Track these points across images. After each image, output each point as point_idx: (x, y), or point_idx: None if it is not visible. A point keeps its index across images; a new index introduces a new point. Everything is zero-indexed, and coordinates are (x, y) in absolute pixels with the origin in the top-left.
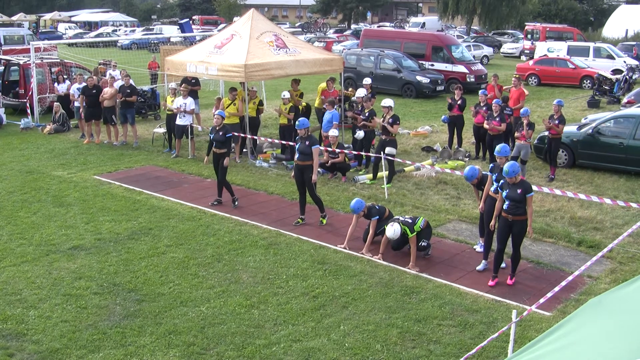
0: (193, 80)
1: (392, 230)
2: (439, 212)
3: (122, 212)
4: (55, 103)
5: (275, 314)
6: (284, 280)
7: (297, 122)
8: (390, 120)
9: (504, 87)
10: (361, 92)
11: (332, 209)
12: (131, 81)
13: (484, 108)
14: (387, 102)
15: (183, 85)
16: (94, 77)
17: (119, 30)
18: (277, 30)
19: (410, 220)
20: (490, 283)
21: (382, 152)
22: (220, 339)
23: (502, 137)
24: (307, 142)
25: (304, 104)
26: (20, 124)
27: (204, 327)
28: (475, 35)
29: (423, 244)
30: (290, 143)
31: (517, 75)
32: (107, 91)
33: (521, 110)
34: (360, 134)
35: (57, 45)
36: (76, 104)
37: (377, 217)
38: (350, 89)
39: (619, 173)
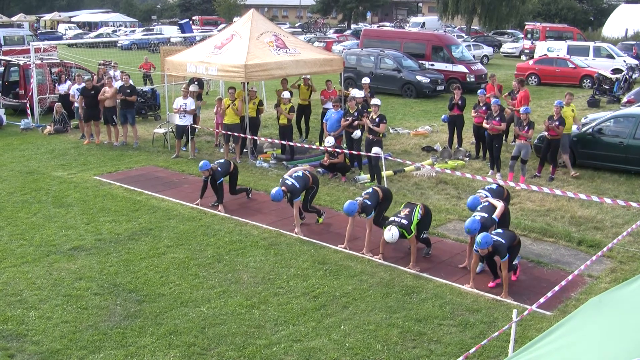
0: (196, 82)
1: (390, 234)
2: (440, 212)
3: (122, 212)
4: (56, 103)
5: (276, 314)
6: (284, 280)
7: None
8: (377, 120)
9: (504, 95)
10: (357, 93)
11: (332, 209)
12: (131, 81)
13: (484, 108)
14: (375, 100)
15: (183, 86)
16: (95, 77)
17: (119, 30)
18: (277, 30)
19: (406, 221)
20: (491, 284)
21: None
22: (220, 339)
23: (502, 136)
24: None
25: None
26: (21, 125)
27: (204, 328)
28: (475, 34)
29: (424, 236)
30: (290, 143)
31: (517, 79)
32: (107, 91)
33: (521, 109)
34: (357, 133)
35: (57, 45)
36: (76, 104)
37: (372, 213)
38: (350, 89)
39: (619, 172)
